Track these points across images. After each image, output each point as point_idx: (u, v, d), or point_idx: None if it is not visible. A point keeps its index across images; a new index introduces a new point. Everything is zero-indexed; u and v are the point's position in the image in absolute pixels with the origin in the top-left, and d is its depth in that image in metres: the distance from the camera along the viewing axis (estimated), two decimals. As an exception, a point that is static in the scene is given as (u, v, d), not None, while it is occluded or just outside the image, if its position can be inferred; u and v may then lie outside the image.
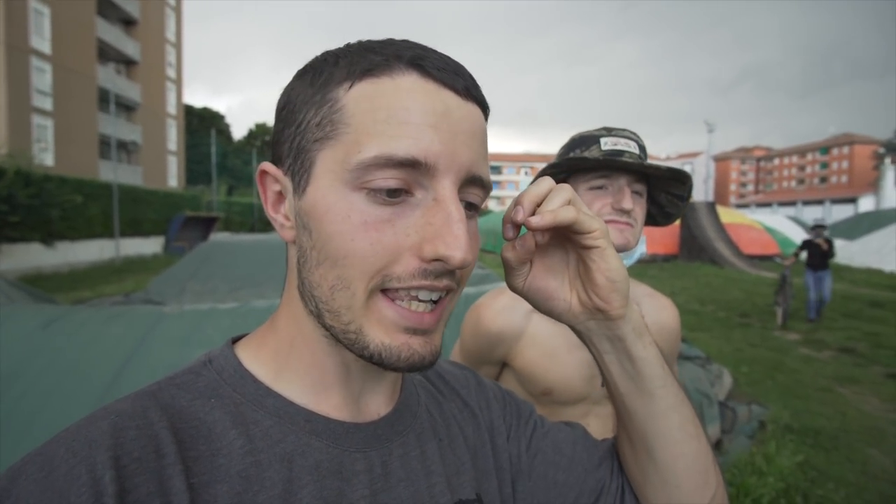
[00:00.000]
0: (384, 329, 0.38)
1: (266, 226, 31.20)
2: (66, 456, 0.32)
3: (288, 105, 0.42)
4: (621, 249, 0.91)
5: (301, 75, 0.42)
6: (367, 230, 0.37)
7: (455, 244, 0.36)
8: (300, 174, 0.40)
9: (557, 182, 0.97)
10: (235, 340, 0.47)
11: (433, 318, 0.39)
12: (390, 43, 0.40)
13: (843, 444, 3.38)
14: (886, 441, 3.47)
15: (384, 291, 0.38)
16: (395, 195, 0.37)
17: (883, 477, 2.98)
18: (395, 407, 0.48)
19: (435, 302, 0.39)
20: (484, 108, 0.43)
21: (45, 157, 19.67)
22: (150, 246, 19.85)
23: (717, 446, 3.35)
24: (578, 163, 0.92)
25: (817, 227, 7.92)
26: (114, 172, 17.27)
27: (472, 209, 0.42)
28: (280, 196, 0.43)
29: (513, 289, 0.48)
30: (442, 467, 0.47)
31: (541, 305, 0.48)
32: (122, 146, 26.72)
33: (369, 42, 0.41)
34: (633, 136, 0.95)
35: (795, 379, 4.81)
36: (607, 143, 0.92)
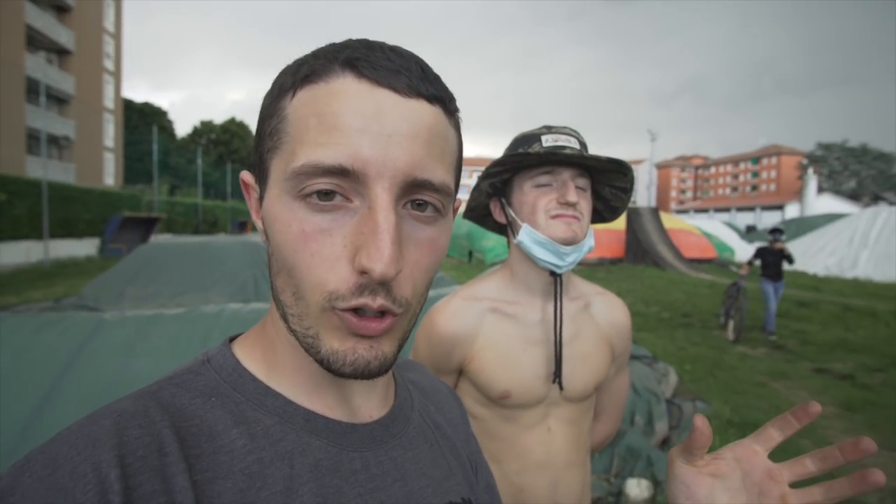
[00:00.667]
0: (338, 336, 0.38)
1: (210, 227, 30.02)
2: (71, 454, 0.32)
3: (258, 118, 0.42)
4: (569, 242, 0.92)
5: (269, 89, 0.42)
6: (306, 241, 0.37)
7: (376, 256, 0.34)
8: (261, 182, 0.41)
9: (502, 181, 0.99)
10: (232, 339, 0.47)
11: (381, 325, 0.37)
12: (335, 46, 0.39)
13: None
14: (815, 432, 3.72)
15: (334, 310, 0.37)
16: (328, 198, 0.36)
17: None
18: (391, 410, 0.49)
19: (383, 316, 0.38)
20: (441, 102, 0.39)
21: (-36, 151, 18.13)
22: (84, 248, 18.64)
23: (665, 442, 3.50)
24: (521, 159, 0.93)
25: (775, 232, 7.16)
26: (43, 169, 16.11)
27: (432, 211, 0.39)
28: (260, 202, 0.43)
29: (672, 462, 0.50)
30: (433, 470, 0.48)
31: (673, 496, 0.49)
32: (53, 141, 25.02)
33: (322, 47, 0.40)
34: (574, 133, 0.97)
35: (734, 375, 5.09)
36: (548, 140, 0.93)
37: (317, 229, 0.37)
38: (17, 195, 15.08)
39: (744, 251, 21.01)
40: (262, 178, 0.41)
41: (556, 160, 0.92)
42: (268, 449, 0.39)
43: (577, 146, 0.94)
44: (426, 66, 0.40)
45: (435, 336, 0.98)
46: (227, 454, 0.37)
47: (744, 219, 53.65)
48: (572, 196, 0.90)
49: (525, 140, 0.97)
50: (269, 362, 0.44)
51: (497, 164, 0.95)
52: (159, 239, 12.42)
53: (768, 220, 47.87)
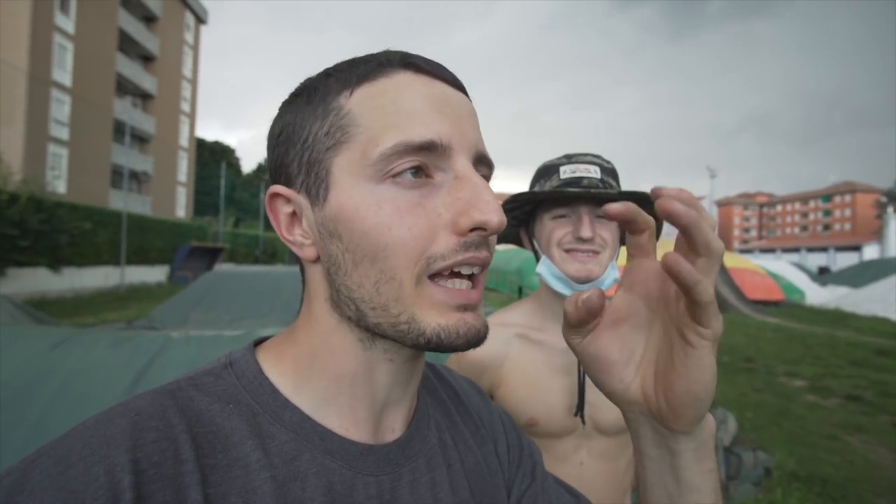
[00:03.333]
0: (438, 312, 0.38)
1: (269, 258, 31.33)
2: (84, 453, 0.31)
3: (286, 129, 0.42)
4: (584, 280, 0.90)
5: (291, 101, 0.43)
6: (401, 216, 0.38)
7: (489, 208, 0.37)
8: (316, 186, 0.40)
9: (524, 213, 1.00)
10: (258, 343, 0.46)
11: (477, 293, 0.40)
12: (375, 54, 0.43)
13: (851, 494, 3.29)
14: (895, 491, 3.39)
15: (430, 277, 0.38)
16: (418, 174, 0.39)
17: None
18: (409, 429, 0.47)
19: (472, 278, 0.40)
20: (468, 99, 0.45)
21: (58, 184, 20.06)
22: (155, 274, 19.91)
23: (722, 492, 3.28)
24: (533, 197, 0.93)
25: None
26: (124, 201, 17.54)
27: None
28: (293, 217, 0.43)
29: (568, 342, 0.41)
30: (451, 495, 0.46)
31: (594, 376, 0.40)
32: (134, 176, 27.21)
33: (355, 57, 0.43)
34: (596, 160, 0.95)
35: (801, 426, 4.73)
36: (566, 172, 0.93)
37: (410, 204, 0.38)
38: (100, 224, 16.43)
39: (815, 294, 19.64)
40: (316, 181, 0.41)
41: (565, 197, 0.91)
42: (281, 467, 0.38)
43: (598, 175, 0.92)
44: None
45: (464, 360, 0.98)
46: (241, 468, 0.36)
47: (815, 260, 50.33)
48: (586, 232, 0.89)
49: (545, 171, 0.97)
50: (301, 373, 0.43)
51: (512, 200, 0.96)
52: (223, 267, 13.12)
53: (843, 261, 44.66)
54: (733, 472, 3.54)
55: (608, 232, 0.92)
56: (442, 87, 0.42)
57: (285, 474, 0.38)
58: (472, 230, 0.38)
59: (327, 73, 0.43)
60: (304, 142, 0.41)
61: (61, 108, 20.62)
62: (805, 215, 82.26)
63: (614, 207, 0.35)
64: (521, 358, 0.97)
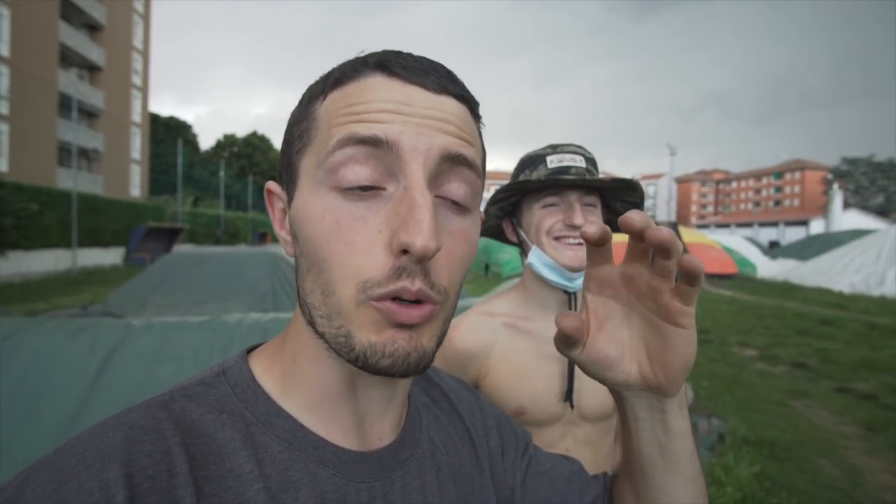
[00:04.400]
0: (373, 328, 0.36)
1: (231, 238, 30.53)
2: (78, 468, 0.31)
3: (286, 130, 0.44)
4: (577, 269, 0.92)
5: (298, 102, 0.44)
6: (339, 230, 0.36)
7: (415, 229, 0.34)
8: (289, 185, 0.42)
9: (510, 204, 1.02)
10: (251, 350, 0.47)
11: (419, 312, 0.36)
12: (365, 54, 0.41)
13: (796, 455, 3.53)
14: (836, 452, 3.65)
15: (373, 300, 0.37)
16: (367, 189, 0.37)
17: (832, 485, 3.13)
18: (400, 435, 0.47)
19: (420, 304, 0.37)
20: (468, 102, 0.41)
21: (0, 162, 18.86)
22: (110, 257, 19.15)
23: (679, 459, 3.47)
24: (525, 185, 0.94)
25: None
26: (73, 180, 16.67)
27: (457, 206, 0.40)
28: (284, 213, 0.44)
29: (569, 357, 0.43)
30: (439, 498, 0.47)
31: (597, 375, 0.43)
32: (83, 154, 25.85)
33: (345, 62, 0.42)
34: (580, 150, 0.96)
35: (752, 393, 5.01)
36: (553, 161, 0.94)
37: (351, 218, 0.36)
38: (47, 205, 15.59)
39: (766, 267, 20.61)
40: (290, 181, 0.41)
41: (560, 185, 0.92)
42: (274, 478, 0.38)
43: (583, 164, 0.94)
44: (452, 71, 0.42)
45: (450, 351, 0.98)
46: (234, 479, 0.36)
47: (767, 234, 52.66)
48: (578, 218, 0.90)
49: (530, 161, 0.98)
50: (287, 377, 0.43)
51: (503, 190, 0.97)
52: (182, 249, 12.72)
53: (792, 235, 46.91)
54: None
55: (597, 218, 0.94)
56: (413, 92, 0.38)
57: (278, 485, 0.38)
58: (402, 252, 0.35)
59: (324, 77, 0.43)
60: (289, 143, 0.42)
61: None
62: (758, 192, 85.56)
63: (592, 231, 0.38)
64: (509, 347, 0.98)
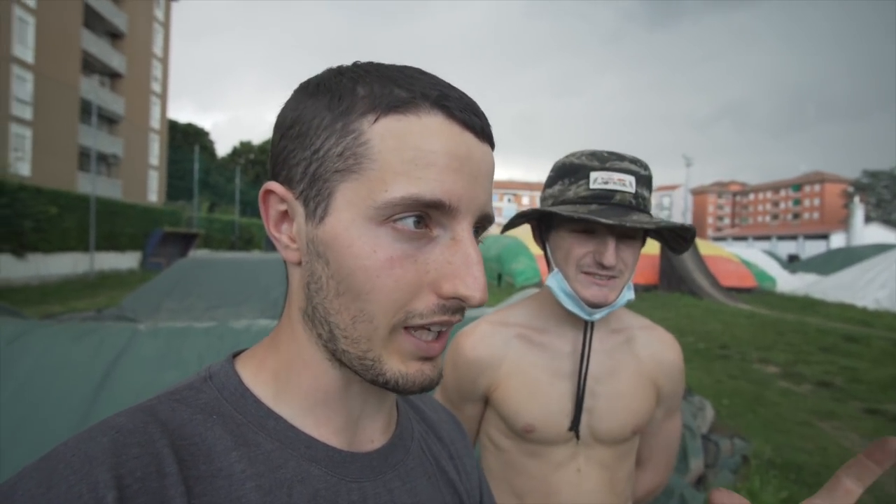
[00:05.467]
0: (401, 358, 0.39)
1: (245, 244, 30.82)
2: (66, 472, 0.31)
3: (299, 125, 0.40)
4: (597, 304, 0.84)
5: (313, 94, 0.40)
6: (391, 267, 0.37)
7: (475, 285, 0.38)
8: (316, 202, 0.39)
9: (538, 220, 0.92)
10: (236, 355, 0.46)
11: (440, 345, 0.41)
12: (413, 77, 0.40)
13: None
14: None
15: (405, 328, 0.39)
16: (419, 225, 0.38)
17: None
18: (391, 439, 0.48)
19: (439, 333, 0.41)
20: (493, 146, 0.44)
21: (22, 166, 19.27)
22: (127, 261, 19.40)
23: (700, 481, 3.31)
24: (558, 217, 0.86)
25: None
26: (92, 185, 16.92)
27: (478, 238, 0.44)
28: (284, 216, 0.42)
29: None
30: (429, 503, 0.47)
31: None
32: (103, 159, 26.33)
33: (389, 70, 0.40)
34: (632, 168, 0.84)
35: (775, 412, 4.83)
36: (597, 181, 0.82)
37: (402, 256, 0.38)
38: (67, 209, 15.83)
39: (785, 281, 20.20)
40: (317, 197, 0.40)
41: (593, 225, 0.83)
42: (267, 476, 0.38)
43: (632, 188, 0.82)
44: (483, 112, 0.43)
45: (461, 360, 0.94)
46: (225, 479, 0.36)
47: (785, 248, 51.77)
48: (609, 259, 0.81)
49: (573, 170, 0.86)
50: (280, 383, 0.43)
51: (532, 213, 0.89)
52: (197, 254, 12.81)
53: (812, 249, 46.06)
54: (711, 460, 3.58)
55: (630, 254, 0.85)
56: (469, 140, 0.40)
57: (271, 482, 0.38)
58: (453, 298, 0.38)
59: (354, 81, 0.40)
60: (316, 152, 0.39)
61: (23, 86, 19.72)
62: (776, 204, 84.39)
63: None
64: (521, 361, 0.92)
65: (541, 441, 0.91)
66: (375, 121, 0.38)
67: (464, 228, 0.39)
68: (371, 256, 0.38)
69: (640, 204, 0.84)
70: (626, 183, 0.82)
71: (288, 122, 0.41)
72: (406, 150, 0.37)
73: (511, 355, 0.93)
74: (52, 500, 0.29)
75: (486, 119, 0.42)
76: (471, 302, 0.38)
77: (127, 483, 0.32)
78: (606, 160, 0.84)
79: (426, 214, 0.38)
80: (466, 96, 0.41)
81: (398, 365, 0.39)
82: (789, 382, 6.12)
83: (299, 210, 0.41)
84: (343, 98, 0.39)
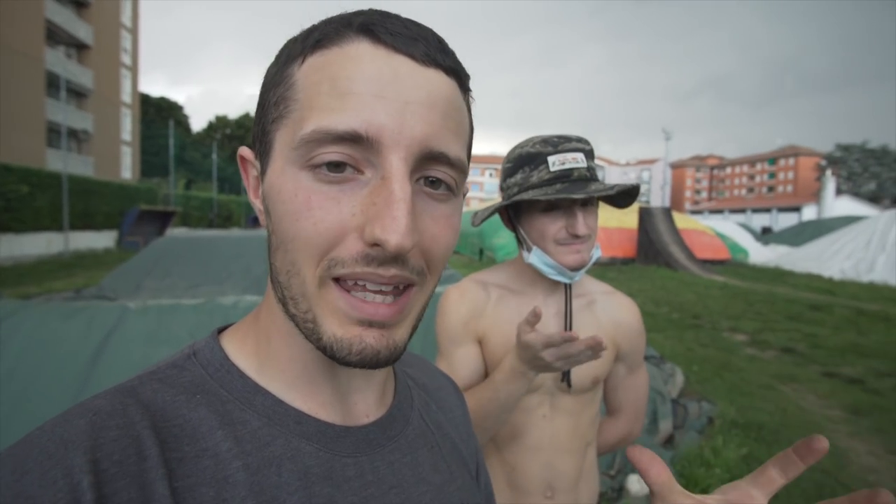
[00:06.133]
0: (338, 320, 0.35)
1: (224, 221, 30.37)
2: (40, 458, 0.30)
3: (262, 88, 0.40)
4: (577, 267, 0.96)
5: (275, 58, 0.41)
6: (310, 209, 0.34)
7: (392, 227, 0.32)
8: (263, 156, 0.39)
9: (508, 210, 1.03)
10: (221, 331, 0.45)
11: (391, 310, 0.35)
12: (349, 12, 0.38)
13: (783, 438, 3.61)
14: (822, 434, 3.73)
15: (336, 280, 0.35)
16: (338, 170, 0.34)
17: (818, 467, 3.21)
18: (389, 411, 0.46)
19: (396, 296, 0.36)
20: (457, 75, 0.38)
21: (-13, 143, 18.56)
22: (103, 240, 19.02)
23: (669, 441, 3.53)
24: (526, 202, 0.97)
25: None
26: (63, 162, 16.44)
27: (446, 189, 0.38)
28: (258, 181, 0.41)
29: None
30: (433, 475, 0.46)
31: None
32: (73, 134, 25.46)
33: (325, 19, 0.39)
34: (580, 146, 0.96)
35: (741, 377, 5.10)
36: (555, 164, 0.93)
37: (324, 198, 0.34)
38: (38, 187, 15.40)
39: (758, 253, 20.78)
40: (264, 151, 0.39)
41: (565, 203, 0.94)
42: (254, 454, 0.36)
43: (584, 163, 0.94)
44: (443, 39, 0.39)
45: (453, 306, 1.04)
46: (211, 458, 0.35)
47: (759, 220, 52.96)
48: (582, 229, 0.93)
49: (530, 159, 0.97)
50: (262, 355, 0.41)
51: (509, 205, 0.99)
52: (175, 233, 12.64)
53: (785, 221, 47.22)
54: (679, 422, 3.81)
55: (593, 219, 0.97)
56: (400, 64, 0.35)
57: (259, 461, 0.36)
58: (373, 244, 0.34)
59: (297, 34, 0.39)
60: (263, 107, 0.39)
61: (-16, 59, 18.88)
62: (752, 177, 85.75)
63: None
64: (499, 316, 1.03)
65: None
66: (303, 61, 0.36)
67: (391, 163, 0.34)
68: (293, 200, 0.35)
69: (592, 175, 0.96)
70: (578, 160, 0.94)
71: (260, 91, 0.41)
72: (323, 83, 0.35)
73: (491, 309, 1.04)
74: (25, 486, 0.28)
75: (435, 44, 0.37)
76: (386, 246, 0.32)
77: (104, 467, 0.31)
78: (558, 144, 0.96)
79: (350, 157, 0.34)
80: (410, 22, 0.37)
81: (334, 327, 0.35)
82: (755, 349, 6.42)
83: (259, 169, 0.40)
84: (284, 51, 0.39)
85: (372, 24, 0.35)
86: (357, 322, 0.35)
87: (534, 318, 0.81)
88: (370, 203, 0.34)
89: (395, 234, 0.32)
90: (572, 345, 0.79)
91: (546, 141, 0.97)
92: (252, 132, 0.42)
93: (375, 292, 0.35)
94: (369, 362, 0.36)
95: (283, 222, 0.36)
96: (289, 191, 0.35)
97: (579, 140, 0.98)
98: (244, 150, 0.42)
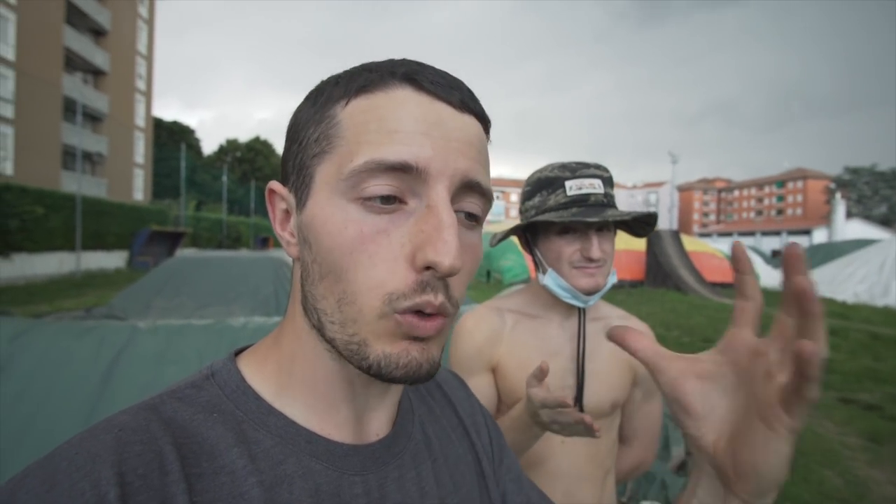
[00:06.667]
0: (388, 340, 0.37)
1: (234, 242, 30.61)
2: (70, 470, 0.31)
3: (294, 125, 0.43)
4: (591, 291, 0.96)
5: (307, 97, 0.43)
6: (363, 242, 0.37)
7: (444, 249, 0.35)
8: (301, 189, 0.41)
9: (523, 230, 1.04)
10: (238, 352, 0.47)
11: (432, 325, 0.37)
12: (388, 61, 0.41)
13: (800, 466, 3.52)
14: (839, 462, 3.63)
15: (397, 313, 0.37)
16: (388, 202, 0.37)
17: (836, 496, 3.12)
18: (393, 428, 0.47)
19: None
20: (484, 121, 0.42)
21: (5, 165, 18.99)
22: (114, 260, 19.22)
23: (681, 467, 3.45)
24: (543, 225, 0.98)
25: None
26: (78, 184, 16.74)
27: (473, 220, 0.41)
28: (287, 214, 0.44)
29: (654, 379, 0.41)
30: (436, 488, 0.47)
31: (671, 409, 0.40)
32: (87, 157, 25.99)
33: (370, 63, 0.42)
34: (598, 173, 0.98)
35: (755, 402, 4.99)
36: (572, 188, 0.96)
37: (375, 230, 0.36)
38: (52, 208, 15.66)
39: (769, 276, 20.56)
40: (302, 185, 0.41)
41: (580, 226, 0.95)
42: (268, 472, 0.38)
43: (602, 189, 0.96)
44: (471, 89, 0.42)
45: (467, 335, 1.04)
46: (228, 475, 0.36)
47: (769, 243, 52.56)
48: (596, 253, 0.94)
49: (548, 183, 0.99)
50: (282, 379, 0.43)
51: (519, 227, 1.01)
52: (185, 253, 12.74)
53: (794, 244, 46.66)
54: (691, 448, 3.72)
55: (609, 244, 0.99)
56: (441, 109, 0.39)
57: (272, 479, 0.38)
58: (425, 268, 0.36)
59: (338, 77, 0.42)
60: (300, 143, 0.41)
61: (5, 84, 19.44)
62: (760, 200, 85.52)
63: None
64: (516, 341, 1.03)
65: None
66: (347, 104, 0.39)
67: (437, 193, 0.37)
68: (343, 233, 0.37)
69: (609, 201, 0.98)
70: (595, 186, 0.96)
71: (288, 126, 0.44)
72: (371, 122, 0.37)
73: (507, 335, 1.04)
74: (55, 498, 0.30)
75: (467, 93, 0.41)
76: (440, 268, 0.35)
77: (129, 480, 0.32)
78: (576, 170, 0.98)
79: (397, 189, 0.37)
80: (446, 74, 0.41)
81: (383, 346, 0.37)
82: (769, 374, 6.30)
83: (293, 203, 0.42)
84: (323, 91, 0.41)
85: (414, 73, 0.39)
86: (403, 337, 0.37)
87: (540, 374, 0.80)
88: (418, 231, 0.36)
89: (447, 255, 0.35)
90: (564, 412, 0.78)
91: (565, 166, 0.99)
92: (283, 168, 0.44)
93: (423, 319, 0.37)
94: (412, 376, 0.37)
95: (334, 253, 0.37)
96: (337, 222, 0.37)
97: (598, 167, 0.99)
98: (275, 185, 0.44)
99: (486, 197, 0.41)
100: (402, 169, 0.36)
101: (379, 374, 0.37)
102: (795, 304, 0.32)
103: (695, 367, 0.39)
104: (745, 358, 0.37)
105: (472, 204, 0.40)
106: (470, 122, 0.40)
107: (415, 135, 0.37)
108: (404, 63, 0.40)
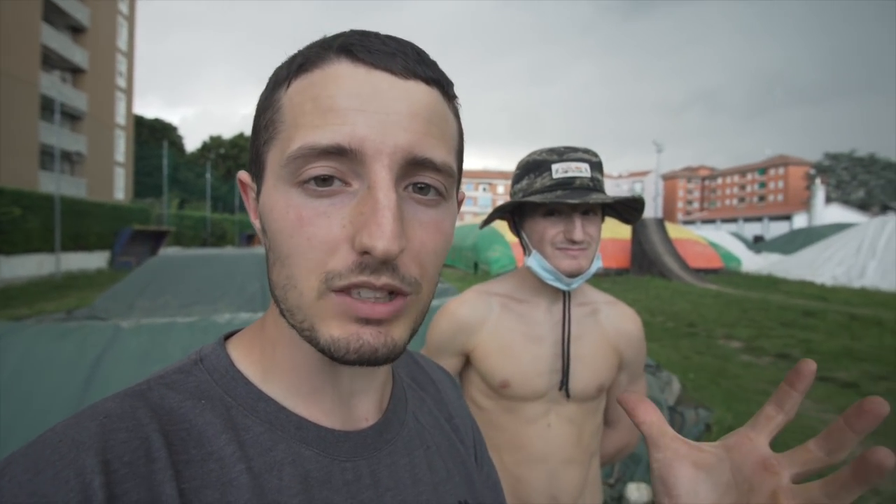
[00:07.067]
0: (337, 322, 0.36)
1: (218, 240, 30.28)
2: (53, 458, 0.31)
3: (254, 115, 0.42)
4: (574, 273, 0.97)
5: (265, 86, 0.42)
6: (302, 225, 0.36)
7: (377, 233, 0.33)
8: (257, 178, 0.41)
9: (511, 213, 1.07)
10: (228, 337, 0.46)
11: (387, 308, 0.36)
12: (331, 36, 0.39)
13: (779, 442, 3.49)
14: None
15: (334, 291, 0.36)
16: (326, 183, 0.36)
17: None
18: (384, 415, 0.47)
19: (391, 300, 0.37)
20: (438, 85, 0.39)
21: (-21, 167, 18.53)
22: (95, 261, 18.90)
23: (666, 449, 3.53)
24: (530, 206, 1.00)
25: None
26: (56, 184, 16.39)
27: (437, 194, 0.39)
28: (256, 202, 0.43)
29: (649, 454, 0.39)
30: (429, 475, 0.47)
31: (655, 486, 0.38)
32: (66, 157, 25.45)
33: (309, 44, 0.40)
34: (586, 156, 0.98)
35: (737, 384, 5.11)
36: (558, 171, 0.96)
37: (314, 213, 0.35)
38: (30, 209, 15.32)
39: (751, 261, 20.91)
40: (258, 173, 0.41)
41: (563, 208, 0.97)
42: (257, 458, 0.38)
43: (588, 173, 0.97)
44: (422, 50, 0.39)
45: (447, 319, 1.06)
46: (216, 462, 0.36)
47: (751, 229, 53.33)
48: (578, 235, 0.95)
49: (536, 166, 1.00)
50: (267, 362, 0.43)
51: (503, 206, 1.03)
52: (168, 252, 12.58)
53: (776, 230, 47.59)
54: (677, 430, 3.78)
55: (594, 228, 0.99)
56: (379, 80, 0.36)
57: (261, 465, 0.38)
58: (362, 252, 0.34)
59: (283, 63, 0.41)
60: (256, 132, 0.41)
61: (-23, 83, 18.94)
62: (743, 187, 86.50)
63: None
64: (501, 325, 1.05)
65: (515, 397, 1.03)
66: (288, 86, 0.38)
67: (376, 172, 0.35)
68: (285, 217, 0.36)
69: (596, 185, 0.98)
70: (582, 170, 0.97)
71: (253, 117, 0.43)
72: (306, 103, 0.36)
73: (493, 318, 1.05)
74: (38, 486, 0.29)
75: (413, 56, 0.38)
76: (374, 252, 0.33)
77: (114, 468, 0.31)
78: (563, 153, 0.99)
79: (337, 171, 0.35)
80: (391, 39, 0.38)
81: (333, 329, 0.36)
82: (751, 356, 6.44)
83: (255, 191, 0.42)
84: (273, 76, 0.40)
85: (350, 44, 0.37)
86: (354, 321, 0.36)
87: None
88: (358, 213, 0.35)
89: (381, 240, 0.33)
90: None
91: (553, 150, 1.01)
92: (249, 157, 0.43)
93: (369, 302, 0.36)
94: (368, 359, 0.36)
95: (278, 239, 0.37)
96: (280, 208, 0.37)
97: (586, 151, 1.00)
98: (242, 174, 0.44)
99: (444, 172, 0.38)
100: (336, 152, 0.35)
101: (333, 358, 0.37)
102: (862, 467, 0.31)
103: (694, 454, 0.38)
104: (750, 465, 0.36)
105: (428, 179, 0.38)
106: (417, 88, 0.37)
107: (347, 112, 0.35)
108: (343, 34, 0.38)
